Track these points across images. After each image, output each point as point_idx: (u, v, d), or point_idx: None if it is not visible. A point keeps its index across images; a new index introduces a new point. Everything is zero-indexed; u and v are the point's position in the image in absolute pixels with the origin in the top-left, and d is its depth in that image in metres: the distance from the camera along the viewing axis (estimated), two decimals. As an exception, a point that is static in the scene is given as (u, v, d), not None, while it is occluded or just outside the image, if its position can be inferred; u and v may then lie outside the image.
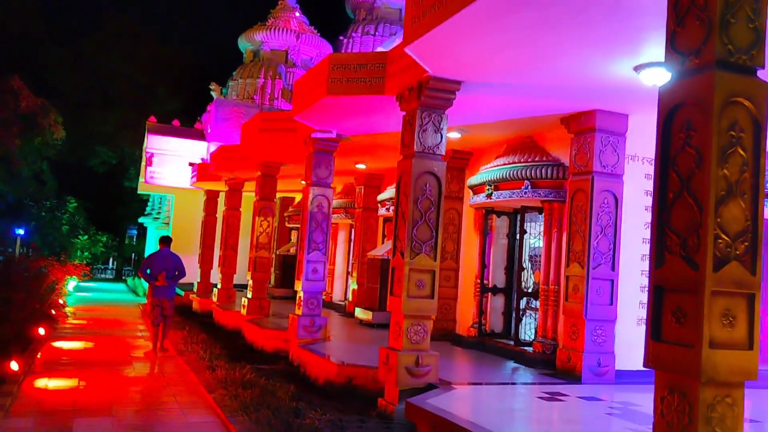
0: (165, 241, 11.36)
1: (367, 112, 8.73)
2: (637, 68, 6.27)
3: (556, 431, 5.94)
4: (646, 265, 8.33)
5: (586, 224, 7.92)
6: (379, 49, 15.35)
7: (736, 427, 3.64)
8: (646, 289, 8.32)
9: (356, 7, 27.13)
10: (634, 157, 8.34)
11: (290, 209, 20.18)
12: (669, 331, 3.77)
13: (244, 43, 27.31)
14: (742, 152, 3.66)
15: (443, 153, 7.19)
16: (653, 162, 8.45)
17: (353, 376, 8.01)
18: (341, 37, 27.43)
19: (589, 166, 8.01)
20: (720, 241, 3.59)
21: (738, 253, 3.63)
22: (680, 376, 3.67)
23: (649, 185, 8.45)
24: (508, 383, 7.71)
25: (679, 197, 3.77)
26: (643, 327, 8.30)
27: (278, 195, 19.22)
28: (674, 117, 3.86)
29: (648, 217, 8.41)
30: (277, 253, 19.91)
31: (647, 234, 8.40)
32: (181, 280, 11.61)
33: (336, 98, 8.16)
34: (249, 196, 19.19)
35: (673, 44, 3.92)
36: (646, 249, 8.31)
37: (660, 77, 6.19)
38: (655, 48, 5.87)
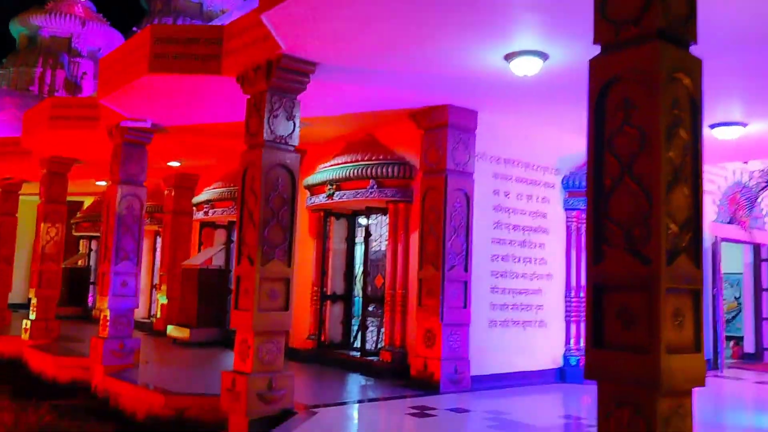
0: None
1: (194, 95, 7.49)
2: (508, 57, 5.95)
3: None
4: (495, 266, 8.18)
5: (440, 224, 7.51)
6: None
7: (686, 438, 3.28)
8: (497, 290, 8.23)
9: (151, -2, 24.86)
10: (483, 155, 8.13)
11: (78, 215, 17.53)
12: (614, 337, 3.31)
13: (18, 27, 23.47)
14: (683, 134, 3.33)
15: (296, 144, 6.29)
16: (500, 160, 8.38)
17: (185, 408, 6.73)
18: (135, 29, 24.90)
19: (442, 163, 7.62)
20: (670, 231, 3.21)
21: (684, 244, 3.28)
22: (631, 387, 3.22)
23: (498, 184, 8.33)
24: (368, 400, 6.99)
25: (619, 184, 3.34)
26: (495, 330, 8.19)
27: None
28: (609, 93, 3.42)
29: (497, 216, 8.28)
30: (64, 266, 17.20)
31: (496, 234, 8.25)
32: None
33: (160, 77, 6.84)
34: (27, 200, 16.39)
35: (603, 12, 3.50)
36: (495, 249, 8.18)
37: (532, 66, 5.94)
38: (527, 37, 5.61)
